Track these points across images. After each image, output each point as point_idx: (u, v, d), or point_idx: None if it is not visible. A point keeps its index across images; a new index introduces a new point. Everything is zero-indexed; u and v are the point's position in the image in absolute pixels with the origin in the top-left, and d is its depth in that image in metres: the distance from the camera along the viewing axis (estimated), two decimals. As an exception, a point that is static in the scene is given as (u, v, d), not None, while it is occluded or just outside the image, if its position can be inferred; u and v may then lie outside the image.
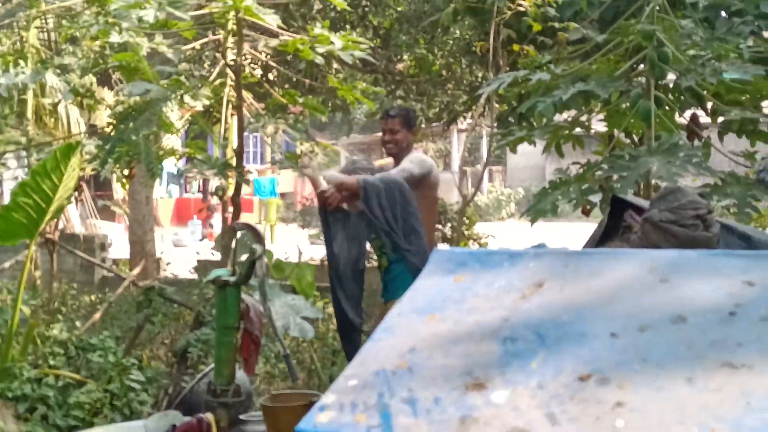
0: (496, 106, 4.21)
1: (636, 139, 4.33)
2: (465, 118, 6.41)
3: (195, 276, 5.94)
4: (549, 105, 3.62)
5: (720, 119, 4.00)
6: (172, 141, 4.80)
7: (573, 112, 4.25)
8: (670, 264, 1.49)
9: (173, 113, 4.32)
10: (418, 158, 3.88)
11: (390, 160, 3.96)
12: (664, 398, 1.07)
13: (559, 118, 4.29)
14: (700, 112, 4.30)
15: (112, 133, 4.36)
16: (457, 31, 5.29)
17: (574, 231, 4.35)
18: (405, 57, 6.13)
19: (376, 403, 1.17)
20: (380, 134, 3.72)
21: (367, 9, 5.54)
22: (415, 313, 1.45)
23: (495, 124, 4.11)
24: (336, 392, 1.24)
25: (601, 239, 2.44)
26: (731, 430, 0.97)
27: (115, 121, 4.37)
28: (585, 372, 1.15)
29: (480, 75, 5.44)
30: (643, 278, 1.43)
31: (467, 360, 1.25)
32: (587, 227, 3.39)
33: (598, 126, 4.32)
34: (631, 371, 1.15)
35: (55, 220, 4.39)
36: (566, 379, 1.14)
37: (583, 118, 4.12)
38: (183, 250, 10.74)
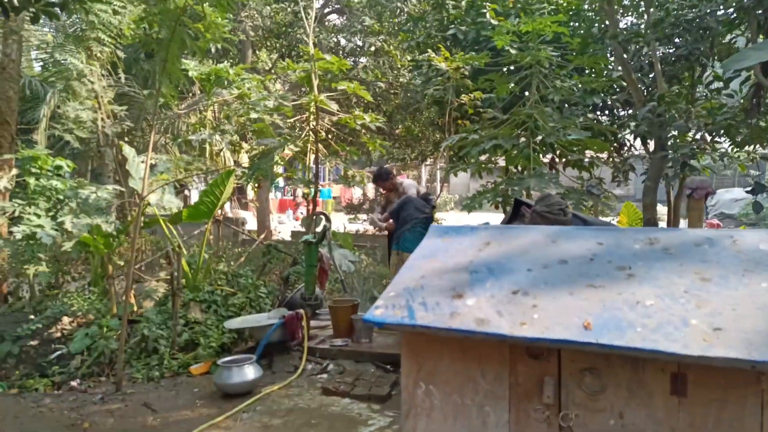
0: (448, 153, 7.82)
1: (520, 169, 7.55)
2: (429, 159, 10.36)
3: (290, 239, 9.86)
4: (475, 152, 7.07)
5: (564, 160, 7.41)
6: (279, 169, 8.38)
7: (486, 156, 7.59)
8: (556, 234, 2.20)
9: (278, 157, 7.96)
10: (407, 185, 6.66)
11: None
12: (558, 304, 1.73)
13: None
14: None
15: (251, 165, 8.03)
16: (426, 114, 9.05)
17: (488, 216, 7.45)
18: (400, 127, 10.07)
19: (405, 304, 1.88)
20: (385, 165, 7.20)
21: (380, 101, 9.43)
22: (422, 258, 2.20)
23: (445, 163, 7.67)
24: (383, 299, 1.97)
25: (509, 221, 4.33)
26: (595, 319, 1.61)
27: (255, 158, 8.02)
28: (515, 289, 1.86)
29: (438, 136, 9.28)
30: (543, 241, 2.17)
31: (452, 282, 1.96)
32: (496, 215, 6.56)
33: (500, 162, 7.71)
34: (540, 289, 1.81)
35: (221, 210, 7.99)
36: (505, 293, 1.84)
37: (494, 158, 7.58)
38: (283, 226, 17.23)
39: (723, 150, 6.46)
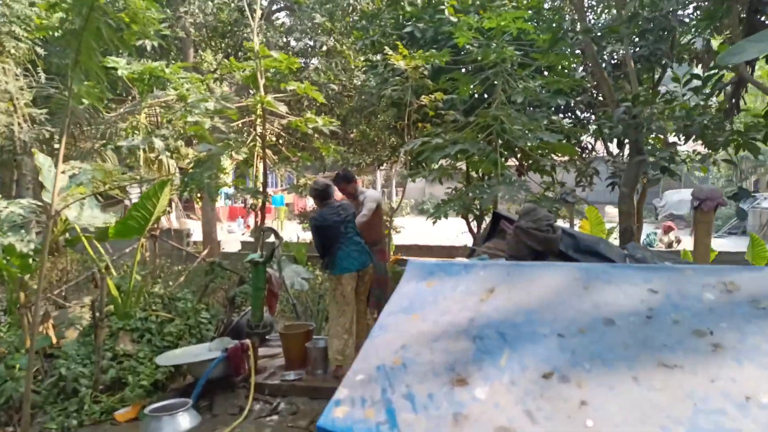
0: (407, 158, 7.26)
1: (482, 175, 7.10)
2: (385, 164, 9.82)
3: (240, 250, 9.07)
4: (437, 156, 6.51)
5: (526, 164, 6.99)
6: (226, 178, 7.57)
7: (447, 161, 7.07)
8: (587, 274, 1.64)
9: (226, 162, 7.19)
10: (370, 197, 5.54)
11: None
12: (620, 398, 1.16)
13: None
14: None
15: (186, 175, 7.21)
16: (381, 116, 8.49)
17: (450, 224, 7.01)
18: (354, 131, 9.48)
19: (381, 398, 1.27)
20: (337, 171, 6.47)
21: (333, 103, 8.79)
22: (401, 313, 1.63)
23: (405, 168, 7.14)
24: (347, 386, 1.35)
25: (487, 237, 3.69)
26: None
27: (190, 167, 7.24)
28: (547, 369, 1.28)
29: (395, 141, 8.74)
30: (570, 286, 1.61)
31: (448, 356, 1.39)
32: (459, 223, 5.98)
33: (461, 166, 7.20)
34: (584, 370, 1.25)
35: (157, 224, 7.18)
36: (532, 376, 1.26)
37: (456, 163, 7.09)
38: (234, 236, 16.76)
39: (700, 154, 6.17)
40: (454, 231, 10.66)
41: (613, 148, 9.26)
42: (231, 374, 4.77)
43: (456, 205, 6.61)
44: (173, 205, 17.36)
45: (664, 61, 8.03)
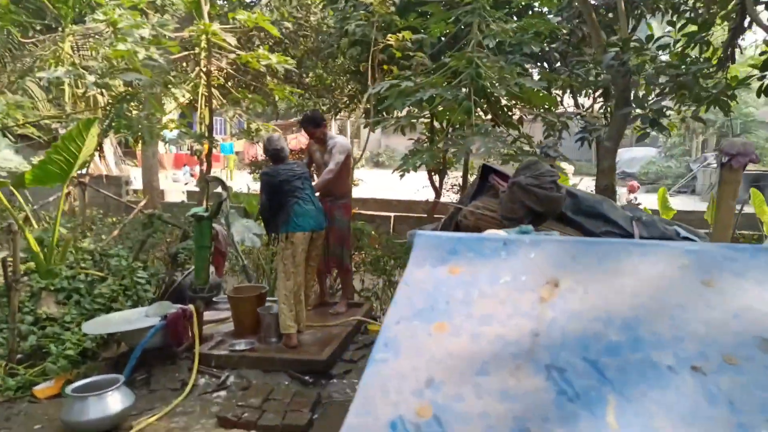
0: (366, 105, 6.62)
1: (444, 126, 6.52)
2: (342, 111, 9.20)
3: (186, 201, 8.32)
4: (400, 103, 5.91)
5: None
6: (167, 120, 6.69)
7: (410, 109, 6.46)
8: (700, 260, 1.09)
9: (170, 104, 6.34)
10: (340, 146, 4.93)
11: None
12: None
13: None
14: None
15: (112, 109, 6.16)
16: (340, 59, 7.74)
17: (409, 178, 6.19)
18: (310, 74, 8.69)
19: None
20: (294, 119, 5.86)
21: (287, 44, 7.95)
22: (418, 320, 1.07)
23: (363, 116, 6.50)
24: None
25: (474, 194, 3.03)
26: None
27: (115, 101, 6.19)
28: None
29: (354, 87, 8.05)
30: (680, 279, 1.06)
31: (512, 405, 0.83)
32: (418, 176, 5.43)
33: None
34: None
35: (86, 169, 6.31)
36: None
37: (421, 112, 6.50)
38: (178, 185, 15.63)
39: (669, 109, 5.81)
40: (414, 185, 10.18)
41: (582, 101, 8.91)
42: (172, 344, 4.19)
43: (426, 156, 6.08)
44: (110, 149, 16.04)
45: (639, 11, 7.60)
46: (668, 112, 6.34)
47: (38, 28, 8.77)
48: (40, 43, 7.07)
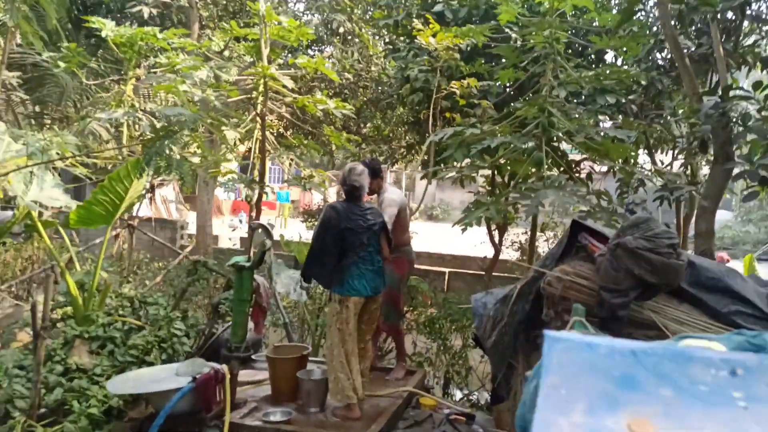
0: (425, 155, 6.22)
1: (506, 180, 5.96)
2: (398, 162, 8.85)
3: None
4: (461, 153, 5.49)
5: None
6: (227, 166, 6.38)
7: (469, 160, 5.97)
8: None
9: (230, 154, 6.00)
10: (389, 200, 4.57)
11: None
12: None
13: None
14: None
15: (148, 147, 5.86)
16: (399, 109, 7.47)
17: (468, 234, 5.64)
18: (368, 125, 8.48)
19: None
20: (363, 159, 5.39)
21: (347, 94, 7.80)
22: None
23: (420, 166, 6.09)
24: None
25: (561, 256, 2.57)
26: None
27: (153, 137, 5.87)
28: None
29: (411, 138, 7.72)
30: None
31: None
32: (476, 231, 4.88)
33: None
34: None
35: (134, 211, 6.14)
36: None
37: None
38: (236, 232, 14.71)
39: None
40: (469, 240, 9.56)
41: (660, 158, 8.22)
42: (200, 409, 3.73)
43: (492, 209, 5.56)
44: (173, 193, 16.33)
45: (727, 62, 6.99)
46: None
47: (105, 72, 9.05)
48: (104, 86, 7.17)
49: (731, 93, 4.20)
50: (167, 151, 5.40)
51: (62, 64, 6.01)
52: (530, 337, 2.56)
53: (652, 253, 2.04)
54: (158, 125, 5.61)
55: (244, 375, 4.57)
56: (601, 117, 6.83)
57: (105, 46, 7.97)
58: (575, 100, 5.96)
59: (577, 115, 5.83)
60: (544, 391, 0.66)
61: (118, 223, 6.15)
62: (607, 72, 5.88)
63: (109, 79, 7.29)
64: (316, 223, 6.46)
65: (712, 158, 5.69)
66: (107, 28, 6.26)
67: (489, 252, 8.62)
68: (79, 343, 4.79)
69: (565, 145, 6.06)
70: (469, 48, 6.04)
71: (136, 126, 6.18)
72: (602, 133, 5.40)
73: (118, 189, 4.81)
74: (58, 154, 4.68)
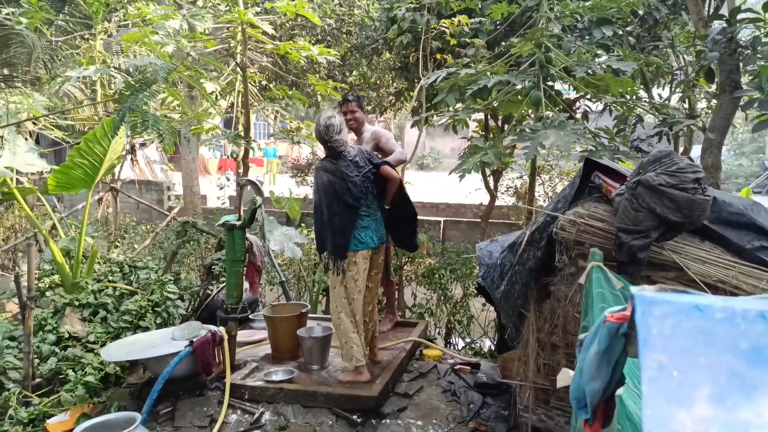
0: (415, 101, 5.93)
1: (500, 123, 5.72)
2: (387, 111, 8.54)
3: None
4: (453, 98, 5.23)
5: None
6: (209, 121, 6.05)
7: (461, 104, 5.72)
8: None
9: (213, 107, 5.68)
10: (383, 134, 4.49)
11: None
12: None
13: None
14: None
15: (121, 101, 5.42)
16: (386, 54, 7.10)
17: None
18: (354, 73, 8.11)
19: None
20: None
21: (330, 41, 7.39)
22: None
23: (410, 114, 5.83)
24: None
25: (574, 197, 2.39)
26: None
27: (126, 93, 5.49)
28: None
29: (399, 84, 7.40)
30: None
31: None
32: (469, 177, 4.68)
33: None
34: None
35: (116, 171, 5.86)
36: None
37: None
38: (225, 191, 14.44)
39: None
40: (463, 188, 9.41)
41: (658, 92, 7.97)
42: (200, 372, 3.63)
43: (490, 154, 5.33)
44: (157, 153, 15.87)
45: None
46: None
47: (73, 29, 8.54)
48: (73, 44, 6.75)
49: (739, 16, 3.95)
50: (142, 106, 5.09)
51: (24, 20, 5.60)
52: (541, 284, 2.43)
53: (676, 189, 1.87)
54: (132, 81, 5.27)
55: (242, 335, 4.48)
56: (598, 51, 6.54)
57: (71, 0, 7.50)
58: (571, 35, 5.64)
59: (574, 50, 5.57)
60: (649, 373, 0.48)
61: (100, 186, 5.94)
62: (605, 3, 5.57)
63: (77, 34, 6.84)
64: (306, 177, 6.21)
65: (714, 89, 5.48)
66: (70, -23, 5.83)
67: (484, 199, 8.47)
68: (70, 311, 4.65)
69: (559, 85, 5.82)
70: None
71: (111, 84, 5.82)
72: (604, 66, 5.14)
73: (96, 150, 4.56)
74: (28, 116, 4.37)
